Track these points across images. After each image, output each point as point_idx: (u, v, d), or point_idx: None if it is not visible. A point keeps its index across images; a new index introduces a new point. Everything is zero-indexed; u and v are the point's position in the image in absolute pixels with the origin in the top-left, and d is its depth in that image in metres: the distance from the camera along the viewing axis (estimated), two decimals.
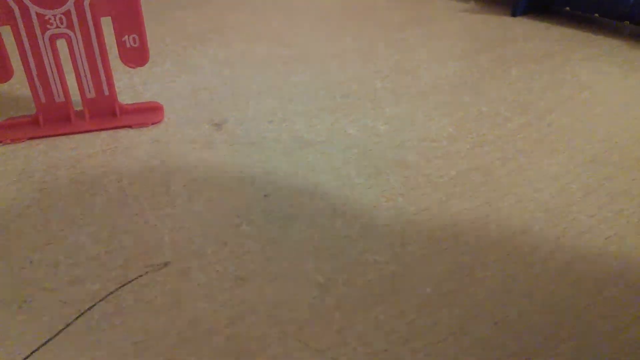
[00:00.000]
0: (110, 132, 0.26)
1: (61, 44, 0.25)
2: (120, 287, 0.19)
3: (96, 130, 0.26)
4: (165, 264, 0.20)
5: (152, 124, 0.27)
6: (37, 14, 0.24)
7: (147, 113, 0.27)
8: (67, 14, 0.24)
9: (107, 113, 0.27)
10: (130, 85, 0.30)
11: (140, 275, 0.19)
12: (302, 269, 0.20)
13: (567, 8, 0.39)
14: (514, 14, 0.39)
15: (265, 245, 0.21)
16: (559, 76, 0.32)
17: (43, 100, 0.26)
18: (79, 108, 0.27)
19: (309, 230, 0.21)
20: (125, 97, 0.28)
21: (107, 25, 0.25)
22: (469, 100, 0.29)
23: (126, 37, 0.25)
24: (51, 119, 0.26)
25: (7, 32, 0.24)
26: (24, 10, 0.24)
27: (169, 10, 0.39)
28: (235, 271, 0.20)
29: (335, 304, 0.18)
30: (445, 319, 0.18)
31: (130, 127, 0.27)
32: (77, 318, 0.18)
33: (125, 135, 0.26)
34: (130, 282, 0.19)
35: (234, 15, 0.39)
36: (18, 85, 0.29)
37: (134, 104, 0.28)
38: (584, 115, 0.28)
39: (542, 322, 0.18)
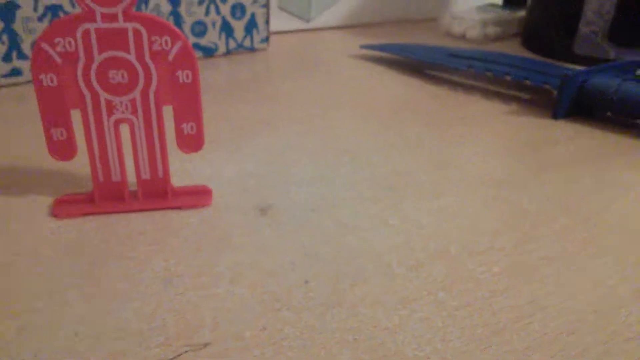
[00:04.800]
0: (161, 212, 0.28)
1: (123, 127, 0.27)
2: None
3: (148, 210, 0.28)
4: (205, 345, 0.20)
5: (201, 206, 0.28)
6: (106, 100, 0.26)
7: (197, 196, 0.28)
8: (133, 101, 0.26)
9: (159, 194, 0.28)
10: (182, 169, 0.31)
11: (180, 355, 0.19)
12: (340, 359, 0.19)
13: (609, 113, 0.39)
14: (555, 117, 0.40)
15: (304, 332, 0.21)
16: (602, 179, 0.32)
17: (101, 179, 0.27)
18: (132, 188, 0.28)
19: (349, 319, 0.21)
20: (176, 180, 0.30)
21: (166, 112, 0.27)
22: (513, 198, 0.29)
23: (184, 124, 0.26)
24: (106, 197, 0.28)
25: (75, 114, 0.26)
26: (95, 97, 0.26)
27: (226, 103, 0.41)
28: (272, 357, 0.19)
29: None
30: None
31: (180, 208, 0.28)
32: None
33: (175, 217, 0.27)
34: None
35: (287, 110, 0.41)
36: (78, 163, 0.31)
37: (184, 186, 0.29)
38: (630, 217, 0.28)
39: None
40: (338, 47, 0.56)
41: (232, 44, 0.51)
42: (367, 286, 0.23)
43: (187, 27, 0.48)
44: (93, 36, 0.24)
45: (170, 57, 0.25)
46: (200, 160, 0.32)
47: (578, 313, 0.22)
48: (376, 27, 0.63)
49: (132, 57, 0.25)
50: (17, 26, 0.41)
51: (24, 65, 0.42)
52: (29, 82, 0.43)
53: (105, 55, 0.25)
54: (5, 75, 0.42)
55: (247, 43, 0.52)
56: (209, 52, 0.50)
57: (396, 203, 0.29)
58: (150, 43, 0.25)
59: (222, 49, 0.51)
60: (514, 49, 0.57)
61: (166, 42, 0.25)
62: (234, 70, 0.49)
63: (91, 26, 0.24)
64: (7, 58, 0.41)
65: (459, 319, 0.21)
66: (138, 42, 0.25)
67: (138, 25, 0.25)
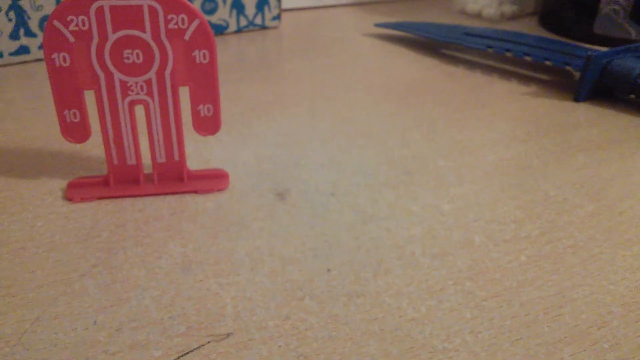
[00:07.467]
0: (176, 196, 0.27)
1: (138, 109, 0.26)
2: (182, 356, 0.18)
3: (163, 194, 0.27)
4: (227, 335, 0.19)
5: (218, 190, 0.27)
6: (120, 81, 0.25)
7: (213, 180, 0.28)
8: (149, 81, 0.25)
9: (175, 178, 0.27)
10: (197, 152, 0.31)
11: (202, 345, 0.19)
12: (366, 351, 0.19)
13: (632, 96, 0.38)
14: (577, 99, 0.39)
15: (329, 323, 0.20)
16: (628, 164, 0.31)
17: (115, 162, 0.27)
18: (148, 171, 0.27)
19: (374, 309, 0.21)
20: (192, 163, 0.29)
21: (182, 93, 0.26)
22: (535, 184, 0.29)
23: (201, 106, 0.26)
24: (121, 180, 0.27)
25: (88, 95, 0.25)
26: (109, 77, 0.25)
27: (237, 82, 0.40)
28: (297, 348, 0.19)
29: None
30: None
31: (196, 192, 0.27)
32: None
33: (191, 201, 0.27)
34: (192, 351, 0.18)
35: (299, 90, 0.40)
36: (91, 146, 0.30)
37: (200, 170, 0.28)
38: None
39: None
40: (351, 25, 0.55)
41: (243, 22, 0.50)
42: (391, 275, 0.22)
43: (197, 4, 0.47)
44: (107, 14, 0.24)
45: (187, 37, 0.24)
46: (215, 142, 0.32)
47: (607, 306, 0.21)
48: (389, 4, 0.62)
49: (147, 36, 0.24)
50: (24, 2, 0.40)
51: (32, 43, 0.41)
52: (37, 60, 0.42)
53: (119, 34, 0.24)
54: (12, 54, 0.41)
55: (258, 21, 0.51)
56: (219, 30, 0.49)
57: (415, 189, 0.28)
58: (167, 21, 0.24)
59: (232, 26, 0.50)
60: (530, 27, 0.55)
61: (182, 20, 0.24)
62: (245, 48, 0.48)
63: (105, 3, 0.23)
64: (14, 35, 0.40)
65: (487, 310, 0.21)
66: (154, 20, 0.24)
67: (154, 3, 0.24)
